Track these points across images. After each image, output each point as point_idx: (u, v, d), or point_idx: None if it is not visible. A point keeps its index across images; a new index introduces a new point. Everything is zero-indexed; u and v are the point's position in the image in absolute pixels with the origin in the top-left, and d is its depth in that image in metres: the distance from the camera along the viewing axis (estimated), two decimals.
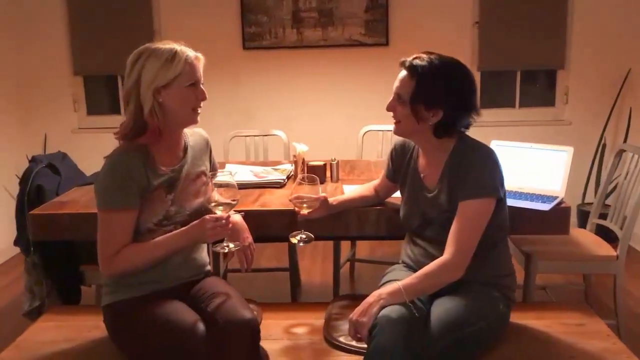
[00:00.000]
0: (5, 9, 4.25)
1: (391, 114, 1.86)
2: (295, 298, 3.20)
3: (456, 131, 1.83)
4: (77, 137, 4.53)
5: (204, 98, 1.79)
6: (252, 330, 1.66)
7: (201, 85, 1.79)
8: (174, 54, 1.71)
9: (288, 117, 4.40)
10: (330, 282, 3.26)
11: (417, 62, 1.78)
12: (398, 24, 4.29)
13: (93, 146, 4.13)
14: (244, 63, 4.38)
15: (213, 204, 1.74)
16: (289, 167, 2.78)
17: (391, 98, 1.84)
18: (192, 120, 1.81)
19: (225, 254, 1.84)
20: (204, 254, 1.98)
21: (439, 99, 1.77)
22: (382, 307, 1.66)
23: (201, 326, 1.68)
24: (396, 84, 1.82)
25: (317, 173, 2.06)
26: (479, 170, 1.75)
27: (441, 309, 1.73)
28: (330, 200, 2.06)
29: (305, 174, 1.94)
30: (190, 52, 1.75)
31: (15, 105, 4.41)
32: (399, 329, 1.60)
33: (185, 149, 1.88)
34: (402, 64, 1.82)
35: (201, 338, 1.65)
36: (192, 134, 1.94)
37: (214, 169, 1.98)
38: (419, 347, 1.63)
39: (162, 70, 1.70)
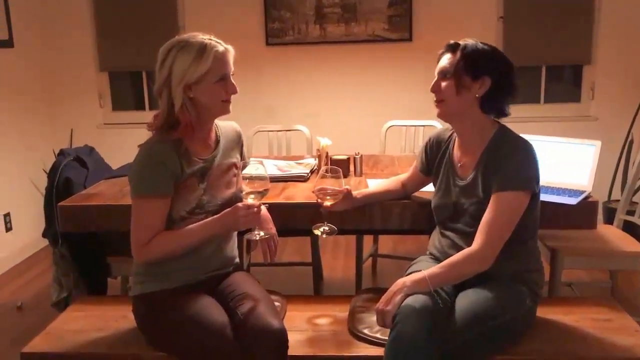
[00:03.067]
0: (32, 6, 4.32)
1: (433, 98, 1.85)
2: (318, 292, 3.20)
3: (500, 111, 1.82)
4: (102, 132, 4.59)
5: (234, 91, 1.80)
6: (280, 341, 1.66)
7: (231, 78, 1.79)
8: (203, 49, 1.72)
9: (311, 113, 4.40)
10: (353, 277, 3.26)
11: (458, 41, 1.81)
12: (421, 19, 4.27)
13: (118, 141, 4.19)
14: (267, 59, 4.40)
15: (245, 192, 1.75)
16: (312, 162, 2.79)
17: (434, 80, 1.83)
18: (224, 111, 1.82)
19: (249, 244, 1.86)
20: (234, 247, 2.00)
21: (486, 66, 1.77)
22: (407, 295, 1.67)
23: (230, 328, 1.69)
24: (440, 64, 1.83)
25: (340, 167, 2.06)
26: (515, 162, 1.74)
27: (466, 301, 1.72)
28: (355, 193, 2.06)
29: (329, 166, 1.94)
30: (219, 47, 1.75)
31: (42, 101, 4.48)
32: (422, 319, 1.60)
33: (217, 140, 1.90)
34: (444, 48, 1.83)
35: (230, 341, 1.67)
36: (224, 127, 1.95)
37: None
38: (443, 338, 1.62)
39: (192, 67, 1.71)
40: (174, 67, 1.72)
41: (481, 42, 1.82)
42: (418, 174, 2.12)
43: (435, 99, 1.84)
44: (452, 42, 1.82)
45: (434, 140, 2.03)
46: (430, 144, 2.04)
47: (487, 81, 1.77)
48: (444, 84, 1.80)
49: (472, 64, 1.77)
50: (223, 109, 1.81)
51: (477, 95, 1.78)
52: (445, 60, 1.81)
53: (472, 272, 1.73)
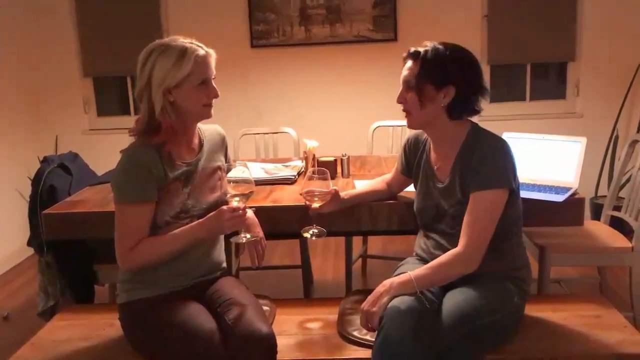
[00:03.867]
0: (15, 12, 4.27)
1: (401, 107, 1.84)
2: (308, 295, 3.19)
3: (470, 112, 1.81)
4: (87, 138, 4.55)
5: (215, 95, 1.78)
6: (269, 346, 1.65)
7: (213, 82, 1.78)
8: (183, 53, 1.70)
9: (297, 114, 4.39)
10: (343, 279, 3.25)
11: (419, 48, 1.78)
12: (406, 19, 4.27)
13: (104, 147, 4.14)
14: (252, 61, 4.39)
15: (229, 195, 1.74)
16: (299, 164, 2.78)
17: (400, 90, 1.82)
18: (205, 115, 1.81)
19: (237, 248, 1.84)
20: (221, 251, 1.98)
21: (448, 74, 1.74)
22: (393, 297, 1.66)
23: (218, 334, 1.67)
24: (403, 73, 1.81)
25: (327, 169, 2.05)
26: (490, 161, 1.73)
27: (453, 301, 1.72)
28: (342, 194, 2.05)
29: (316, 168, 1.93)
30: (200, 50, 1.73)
31: (26, 108, 4.44)
32: (408, 320, 1.59)
33: (201, 144, 1.88)
34: (406, 54, 1.82)
35: (217, 347, 1.65)
36: (208, 130, 1.94)
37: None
38: (432, 338, 1.62)
39: (172, 71, 1.69)
40: (154, 71, 1.70)
41: (443, 46, 1.76)
42: (400, 175, 2.12)
43: (402, 109, 1.84)
44: (412, 49, 1.80)
45: (412, 141, 2.03)
46: (408, 145, 2.04)
47: (451, 90, 1.75)
48: (408, 95, 1.79)
49: (434, 73, 1.74)
50: (204, 113, 1.79)
51: (442, 105, 1.77)
52: (407, 69, 1.80)
53: (459, 274, 1.72)
